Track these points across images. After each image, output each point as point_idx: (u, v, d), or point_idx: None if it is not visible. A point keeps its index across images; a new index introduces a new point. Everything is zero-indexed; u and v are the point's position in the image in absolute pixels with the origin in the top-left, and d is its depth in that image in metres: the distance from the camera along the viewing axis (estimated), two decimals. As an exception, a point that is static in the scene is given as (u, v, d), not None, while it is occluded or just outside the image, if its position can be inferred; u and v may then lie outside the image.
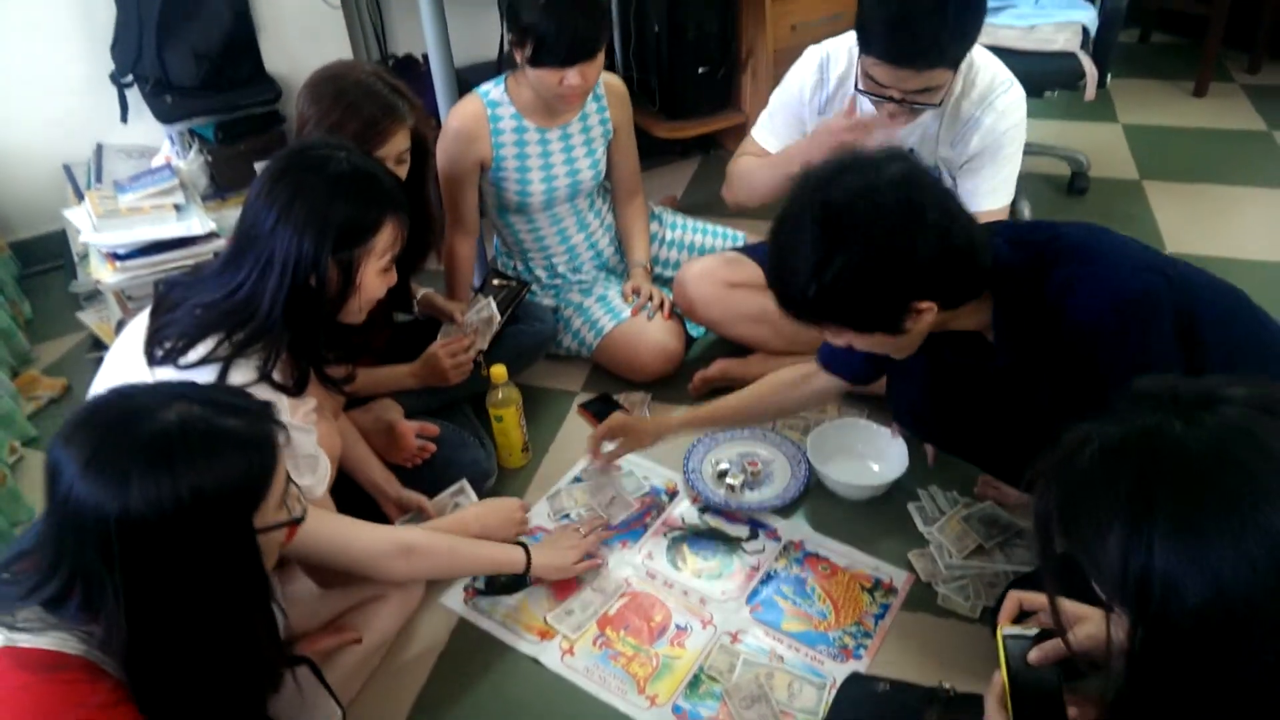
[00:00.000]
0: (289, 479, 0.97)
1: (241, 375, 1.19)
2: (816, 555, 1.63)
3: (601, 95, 1.98)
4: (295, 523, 0.97)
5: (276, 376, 1.23)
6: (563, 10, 1.68)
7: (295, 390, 1.27)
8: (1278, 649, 0.66)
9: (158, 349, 1.20)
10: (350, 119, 1.51)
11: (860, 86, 1.60)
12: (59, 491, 0.85)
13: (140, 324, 1.27)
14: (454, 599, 1.57)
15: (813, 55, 1.80)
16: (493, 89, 1.92)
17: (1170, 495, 0.67)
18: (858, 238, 1.10)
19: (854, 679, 1.31)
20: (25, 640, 0.85)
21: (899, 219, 1.10)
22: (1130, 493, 0.69)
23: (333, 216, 1.23)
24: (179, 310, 1.23)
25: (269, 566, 0.96)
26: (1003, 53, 1.76)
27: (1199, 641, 0.67)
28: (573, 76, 1.75)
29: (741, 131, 2.92)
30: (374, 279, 1.30)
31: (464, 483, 1.69)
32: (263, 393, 1.16)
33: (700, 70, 2.79)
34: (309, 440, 1.26)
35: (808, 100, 1.80)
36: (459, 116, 1.88)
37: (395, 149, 1.54)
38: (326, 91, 1.54)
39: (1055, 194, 2.66)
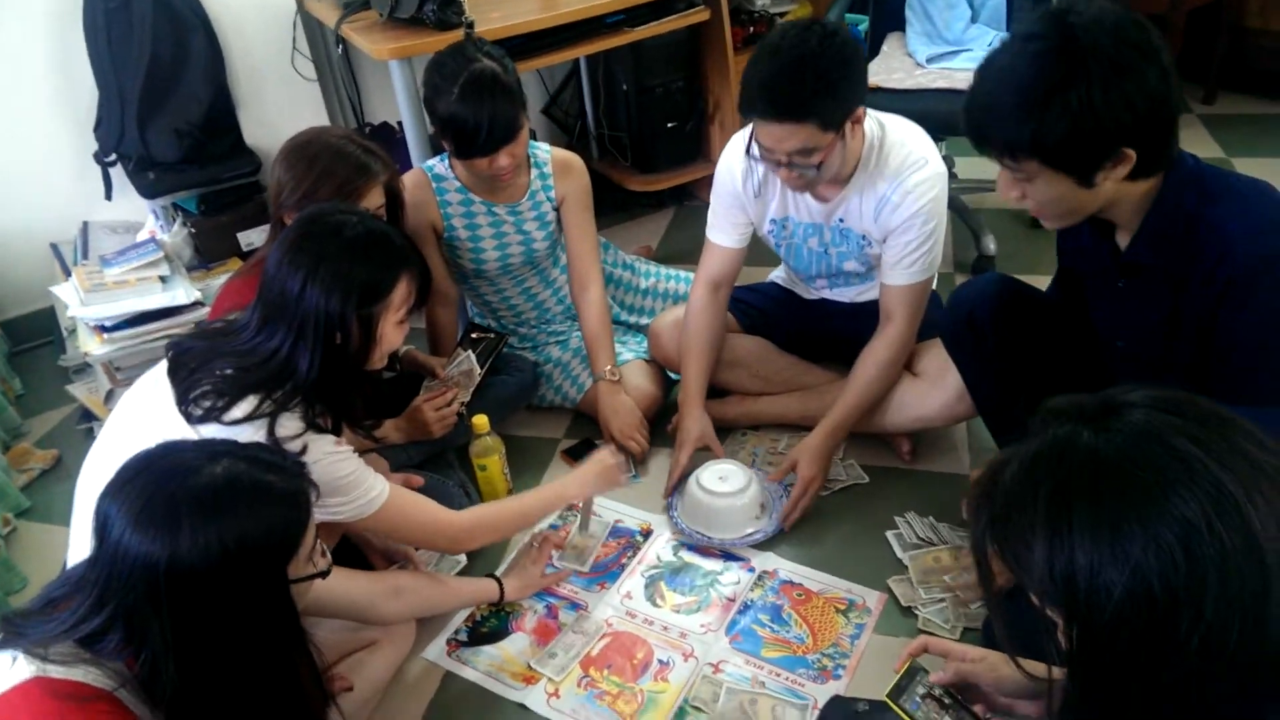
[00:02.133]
0: (316, 535, 1.04)
1: (290, 426, 1.28)
2: (790, 582, 1.66)
3: (549, 173, 1.99)
4: (322, 575, 1.04)
5: (319, 423, 1.34)
6: (476, 99, 1.70)
7: (334, 434, 1.38)
8: (1203, 633, 0.69)
9: (194, 408, 1.27)
10: (324, 182, 1.57)
11: (751, 152, 1.67)
12: (110, 539, 0.93)
13: (145, 390, 1.35)
14: (437, 652, 1.58)
15: (735, 145, 1.81)
16: (437, 164, 1.96)
17: (1085, 497, 0.72)
18: (1101, 58, 1.09)
19: (835, 701, 1.33)
20: (56, 671, 0.91)
21: (1140, 49, 1.11)
22: (1049, 500, 0.73)
23: (355, 277, 1.32)
24: (202, 372, 1.30)
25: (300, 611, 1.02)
26: (962, 95, 1.81)
27: (1128, 633, 0.70)
28: (501, 159, 1.79)
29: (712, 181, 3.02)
30: (392, 331, 1.40)
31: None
32: (314, 439, 1.30)
33: (669, 125, 2.88)
34: (349, 462, 1.37)
35: (740, 188, 1.81)
36: (405, 185, 1.84)
37: (371, 204, 1.61)
38: (299, 158, 1.61)
39: (1020, 227, 2.74)
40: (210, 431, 1.25)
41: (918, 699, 1.08)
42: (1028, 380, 1.50)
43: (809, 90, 1.51)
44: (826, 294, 2.01)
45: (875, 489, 1.86)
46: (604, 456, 1.72)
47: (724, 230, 1.89)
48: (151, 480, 0.95)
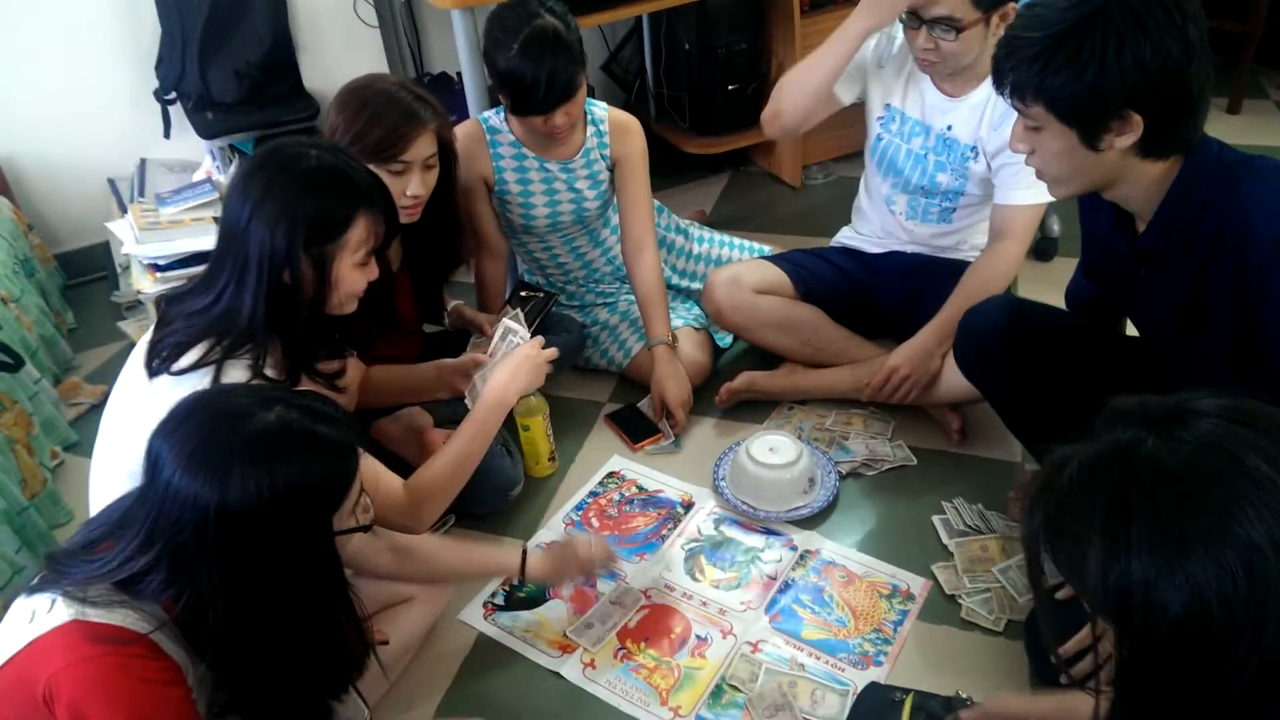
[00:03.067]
0: (362, 489, 1.02)
1: (235, 375, 1.21)
2: (833, 564, 1.63)
3: (605, 131, 1.96)
4: (365, 529, 1.03)
5: (270, 372, 1.25)
6: (537, 55, 1.67)
7: (290, 383, 1.29)
8: (1262, 658, 0.66)
9: (155, 359, 1.24)
10: (374, 125, 1.55)
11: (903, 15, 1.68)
12: (160, 479, 0.92)
13: (140, 347, 1.32)
14: (474, 615, 1.58)
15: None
16: (492, 116, 1.94)
17: (1146, 509, 0.68)
18: (1126, 13, 1.08)
19: (872, 688, 1.31)
20: (95, 615, 0.91)
21: (1170, 15, 1.08)
22: (1107, 508, 0.70)
23: (303, 211, 1.23)
24: (175, 323, 1.27)
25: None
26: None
27: (1183, 652, 0.68)
28: (557, 117, 1.77)
29: (770, 148, 2.95)
30: (350, 273, 1.30)
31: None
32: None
33: (730, 88, 2.81)
34: None
35: (872, 46, 1.84)
36: (458, 136, 1.85)
37: (420, 153, 1.58)
38: (352, 100, 1.59)
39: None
40: (163, 384, 1.20)
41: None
42: (1050, 396, 1.48)
43: None
44: (899, 232, 1.97)
45: (923, 471, 1.82)
46: (526, 350, 1.55)
47: (845, 81, 1.88)
48: (205, 421, 0.95)
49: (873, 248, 2.02)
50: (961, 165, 1.81)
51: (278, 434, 0.93)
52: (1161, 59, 1.08)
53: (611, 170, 2.00)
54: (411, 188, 1.59)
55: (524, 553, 1.47)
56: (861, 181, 2.04)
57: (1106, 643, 1.22)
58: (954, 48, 1.64)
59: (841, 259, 2.05)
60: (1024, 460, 1.81)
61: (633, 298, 2.12)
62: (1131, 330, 1.53)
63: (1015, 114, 1.64)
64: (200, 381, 1.19)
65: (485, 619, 1.57)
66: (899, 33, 1.81)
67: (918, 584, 1.58)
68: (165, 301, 1.33)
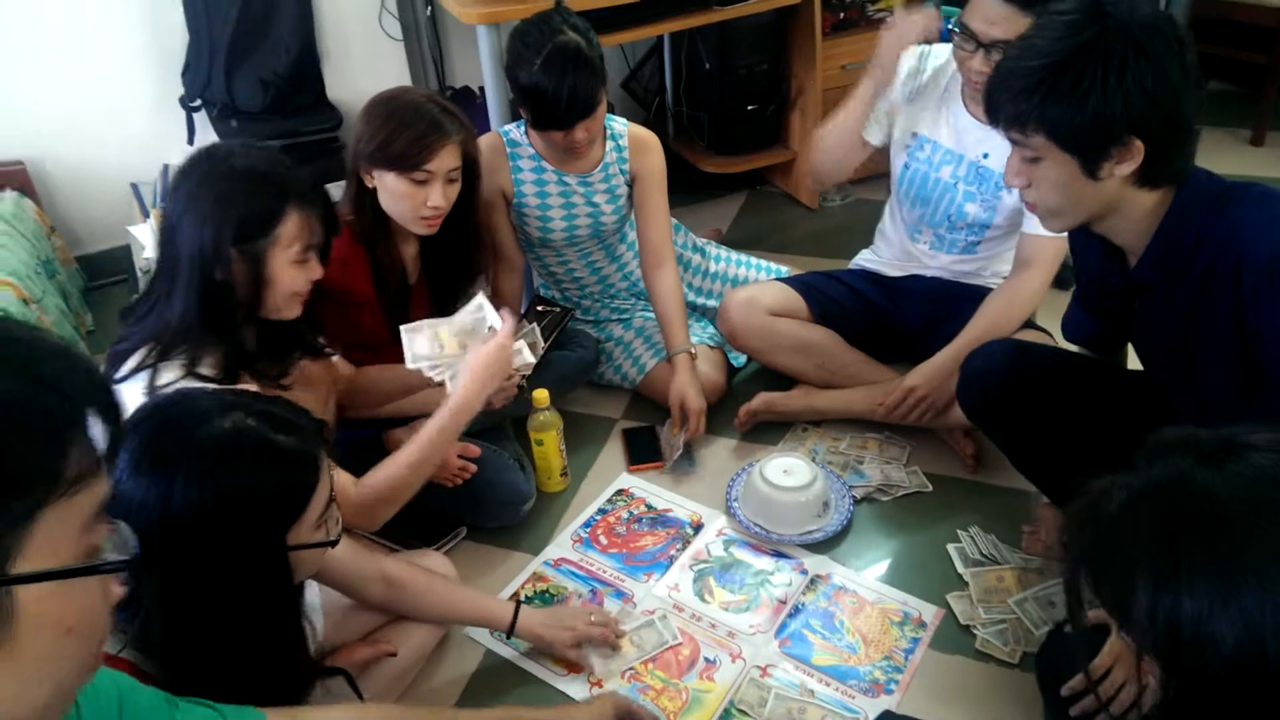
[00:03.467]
0: (331, 501, 0.99)
1: (168, 376, 1.19)
2: (844, 589, 1.62)
3: (624, 146, 1.97)
4: (330, 544, 0.99)
5: (206, 371, 1.23)
6: (559, 71, 1.68)
7: (229, 383, 1.26)
8: None
9: (111, 369, 1.23)
10: (398, 135, 1.55)
11: (952, 31, 1.64)
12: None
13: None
14: (482, 632, 1.56)
15: (916, 48, 1.83)
16: (513, 130, 1.95)
17: (1199, 543, 0.67)
18: (1126, 39, 1.07)
19: (885, 717, 1.29)
20: None
21: (1167, 41, 1.09)
22: (1157, 541, 0.68)
23: (233, 207, 1.22)
24: (128, 331, 1.27)
25: (300, 578, 0.98)
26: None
27: (1233, 689, 0.66)
28: (577, 133, 1.78)
29: (788, 168, 2.95)
30: (286, 271, 1.28)
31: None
32: (193, 385, 1.17)
33: (750, 108, 2.82)
34: None
35: (900, 85, 1.83)
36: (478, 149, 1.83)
37: (444, 166, 1.58)
38: (379, 111, 1.60)
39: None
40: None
41: None
42: (1056, 437, 1.46)
43: None
44: (923, 259, 1.96)
45: (938, 498, 1.81)
46: (492, 348, 1.49)
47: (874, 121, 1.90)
48: (158, 425, 0.92)
49: (892, 271, 2.02)
50: (994, 196, 1.79)
51: (229, 441, 0.90)
52: (1163, 83, 1.09)
53: (630, 185, 2.00)
54: (433, 199, 1.59)
55: (516, 608, 1.43)
56: (887, 208, 2.03)
57: (1130, 683, 1.20)
58: None
59: (859, 282, 2.05)
60: (1039, 492, 1.79)
61: (648, 314, 2.12)
62: (1133, 360, 1.52)
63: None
64: (135, 387, 1.17)
65: (493, 635, 1.56)
66: (928, 64, 1.81)
67: (930, 612, 1.56)
68: (121, 313, 1.33)
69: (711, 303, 2.20)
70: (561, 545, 1.74)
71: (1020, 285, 1.75)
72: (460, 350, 1.54)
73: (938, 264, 1.95)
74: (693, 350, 1.95)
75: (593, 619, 1.47)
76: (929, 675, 1.46)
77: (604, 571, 1.68)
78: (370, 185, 1.62)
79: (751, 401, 1.96)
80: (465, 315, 1.58)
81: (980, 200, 1.81)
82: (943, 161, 1.83)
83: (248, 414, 0.93)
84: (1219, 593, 0.65)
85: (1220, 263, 1.15)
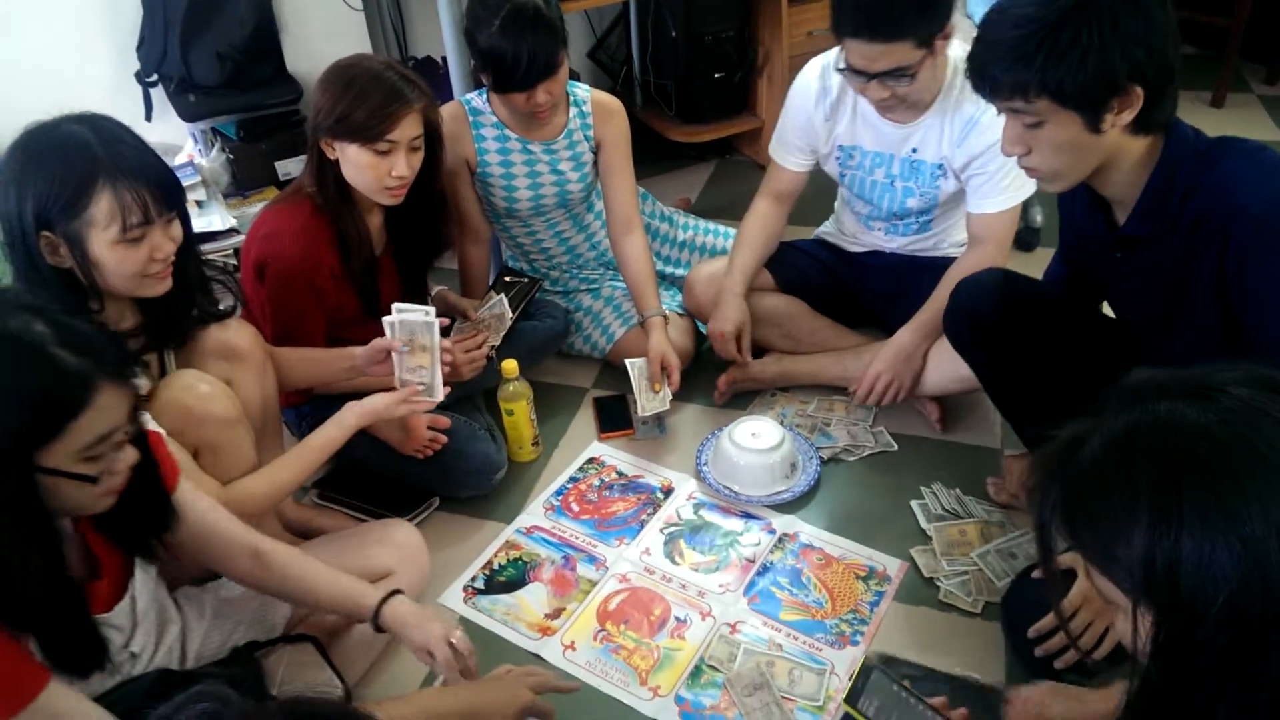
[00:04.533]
0: (118, 441, 0.94)
1: None
2: (811, 546, 1.65)
3: (588, 112, 1.97)
4: (86, 479, 0.93)
5: None
6: (517, 32, 1.68)
7: None
8: None
9: None
10: (359, 105, 1.54)
11: (841, 68, 1.66)
12: None
13: None
14: (453, 598, 1.59)
15: (813, 65, 1.85)
16: (475, 98, 1.93)
17: (1197, 481, 0.65)
18: None
19: (877, 659, 1.23)
20: None
21: None
22: (1154, 483, 0.66)
23: (35, 186, 1.19)
24: None
25: (57, 508, 0.94)
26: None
27: (1234, 627, 0.64)
28: (539, 95, 1.77)
29: (757, 136, 2.96)
30: (110, 252, 1.22)
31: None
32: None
33: (716, 75, 2.81)
34: None
35: (814, 109, 1.84)
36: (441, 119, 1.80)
37: (407, 134, 1.57)
38: (338, 80, 1.58)
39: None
40: None
41: (876, 702, 0.99)
42: (1038, 370, 1.49)
43: (900, 7, 1.51)
44: (880, 242, 1.98)
45: (903, 457, 1.84)
46: (399, 398, 1.52)
47: (790, 152, 1.93)
48: None
49: (854, 247, 2.04)
50: (931, 185, 1.81)
51: (4, 335, 0.88)
52: (1154, 29, 1.11)
53: (595, 152, 2.00)
54: (397, 168, 1.59)
55: (385, 600, 1.23)
56: (840, 195, 2.05)
57: (1097, 622, 1.21)
58: (910, 89, 1.64)
59: (822, 253, 2.07)
60: (1003, 446, 1.83)
61: (617, 284, 2.13)
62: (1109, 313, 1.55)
63: (976, 125, 1.69)
64: None
65: (465, 602, 1.58)
66: (832, 78, 1.81)
67: (894, 566, 1.60)
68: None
69: (680, 271, 2.21)
70: (534, 513, 1.76)
71: (976, 261, 1.76)
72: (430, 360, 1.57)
73: (895, 245, 1.97)
74: (665, 314, 1.97)
75: (455, 639, 1.22)
76: (894, 626, 1.50)
77: (576, 538, 1.70)
78: (332, 157, 1.60)
79: (729, 373, 1.97)
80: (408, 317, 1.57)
81: (919, 193, 1.83)
82: (874, 165, 1.84)
83: (36, 317, 0.90)
84: (1220, 528, 0.63)
85: (1210, 214, 1.17)
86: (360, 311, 1.73)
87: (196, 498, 1.18)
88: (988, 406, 1.91)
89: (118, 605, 1.07)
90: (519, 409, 1.82)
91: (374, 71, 1.59)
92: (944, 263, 1.85)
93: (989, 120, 1.67)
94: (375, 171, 1.58)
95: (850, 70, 1.63)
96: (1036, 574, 1.37)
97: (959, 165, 1.75)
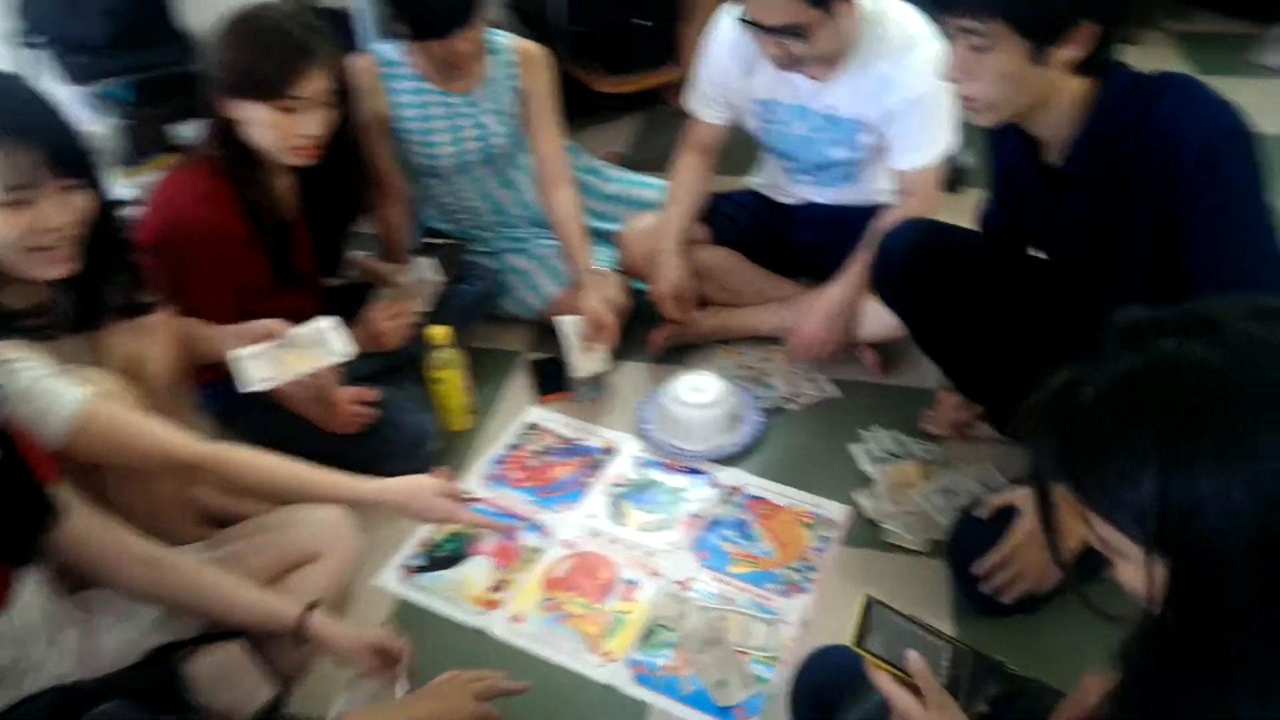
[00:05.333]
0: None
1: None
2: (757, 497, 1.63)
3: (511, 62, 1.88)
4: None
5: None
6: None
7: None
8: None
9: None
10: (262, 61, 1.43)
11: (742, 19, 1.62)
12: None
13: None
14: (390, 578, 1.52)
15: (728, 16, 1.79)
16: (388, 48, 1.83)
17: (1209, 418, 0.62)
18: None
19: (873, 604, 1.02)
20: None
21: None
22: (1163, 423, 0.62)
23: None
24: None
25: None
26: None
27: (1256, 567, 0.61)
28: (458, 43, 1.69)
29: (685, 86, 2.87)
30: None
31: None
32: None
33: (642, 23, 2.73)
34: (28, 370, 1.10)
35: (730, 61, 1.79)
36: (351, 72, 1.71)
37: (314, 89, 1.47)
38: (234, 35, 1.47)
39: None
40: None
41: (881, 638, 0.92)
42: (966, 317, 1.49)
43: None
44: (810, 194, 1.95)
45: (846, 403, 1.84)
46: (422, 482, 1.30)
47: (707, 104, 1.88)
48: None
49: (785, 199, 2.00)
50: (851, 138, 1.78)
51: None
52: None
53: (520, 104, 1.92)
54: (305, 127, 1.48)
55: (307, 613, 1.13)
56: (764, 152, 2.00)
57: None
58: (804, 49, 1.60)
59: (755, 204, 2.03)
60: (940, 385, 1.83)
61: (547, 242, 2.06)
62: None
63: (890, 83, 1.66)
64: None
65: (403, 581, 1.52)
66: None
67: (839, 511, 1.60)
68: None
69: (612, 226, 2.14)
70: (472, 484, 1.70)
71: (904, 215, 1.71)
72: (303, 368, 1.45)
73: (826, 197, 1.94)
74: (599, 270, 1.91)
75: (392, 647, 1.17)
76: (842, 571, 1.50)
77: (518, 506, 1.65)
78: (233, 117, 1.49)
79: (664, 328, 1.93)
80: (306, 332, 1.48)
81: (841, 144, 1.79)
82: (793, 119, 1.80)
83: None
84: (1237, 465, 0.60)
85: (1151, 151, 1.15)
86: (273, 281, 1.63)
87: (76, 500, 1.07)
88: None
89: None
90: (450, 377, 1.75)
91: (276, 22, 1.47)
92: (877, 210, 1.82)
93: (902, 78, 1.64)
94: (281, 131, 1.47)
95: (748, 23, 1.58)
96: (979, 512, 1.37)
97: (875, 121, 1.72)
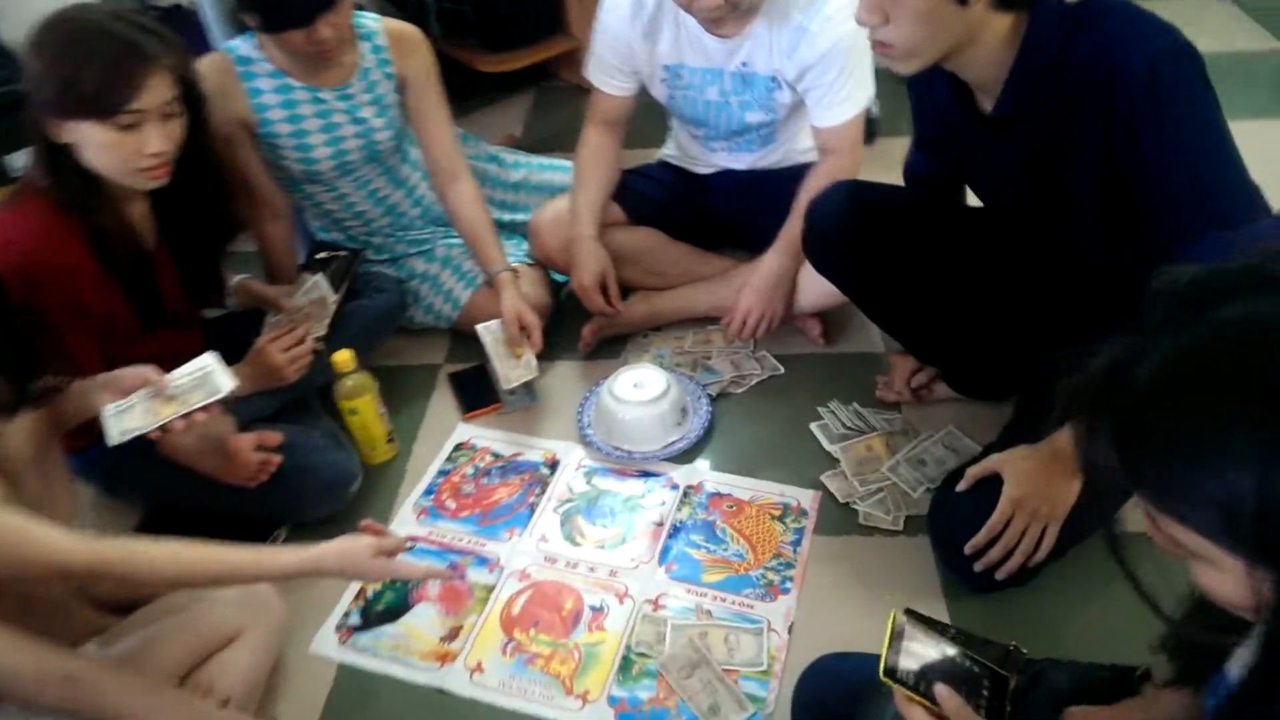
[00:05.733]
0: None
1: None
2: (719, 494, 1.52)
3: (383, 46, 1.68)
4: None
5: None
6: None
7: None
8: None
9: None
10: (86, 69, 1.20)
11: None
12: None
13: None
14: (327, 643, 1.34)
15: None
16: (243, 45, 1.61)
17: None
18: None
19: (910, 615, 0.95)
20: None
21: None
22: (1253, 404, 0.52)
23: None
24: None
25: None
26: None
27: None
28: (321, 30, 1.49)
29: (573, 59, 2.71)
30: None
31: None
32: None
33: (517, -6, 2.55)
34: None
35: (629, 27, 1.66)
36: (203, 74, 1.45)
37: (155, 100, 1.24)
38: (51, 43, 1.23)
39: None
40: None
41: (916, 666, 0.81)
42: (908, 281, 1.43)
43: None
44: (726, 161, 1.84)
45: (793, 380, 1.74)
46: (352, 542, 1.14)
47: (610, 75, 1.75)
48: None
49: (701, 169, 1.89)
50: (767, 98, 1.67)
51: None
52: None
53: (399, 92, 1.72)
54: (149, 144, 1.26)
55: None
56: (674, 122, 1.88)
57: (1032, 527, 1.11)
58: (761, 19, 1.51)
59: (669, 176, 1.91)
60: (887, 347, 1.76)
61: (451, 241, 1.88)
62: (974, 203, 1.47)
63: (806, 34, 1.56)
64: None
65: (342, 645, 1.34)
66: None
67: (808, 497, 1.50)
68: None
69: (520, 216, 1.98)
70: (404, 522, 1.53)
71: (827, 173, 1.64)
72: (180, 410, 1.23)
73: (743, 163, 1.83)
74: (514, 267, 1.75)
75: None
76: (821, 562, 1.40)
77: (460, 540, 1.48)
78: (63, 140, 1.26)
79: (593, 320, 1.79)
80: (186, 375, 1.27)
81: (758, 106, 1.69)
82: (704, 83, 1.68)
83: None
84: None
85: (1090, 81, 1.08)
86: (140, 321, 1.40)
87: None
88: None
89: None
90: (363, 405, 1.56)
91: (97, 24, 1.24)
92: (799, 171, 1.73)
93: (818, 28, 1.55)
94: (122, 151, 1.25)
95: None
96: (961, 486, 1.29)
97: (793, 77, 1.62)
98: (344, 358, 1.53)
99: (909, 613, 0.95)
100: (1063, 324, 1.34)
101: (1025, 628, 1.24)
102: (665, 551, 1.43)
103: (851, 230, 1.43)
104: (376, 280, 1.80)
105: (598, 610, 1.35)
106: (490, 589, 1.40)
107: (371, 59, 1.67)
